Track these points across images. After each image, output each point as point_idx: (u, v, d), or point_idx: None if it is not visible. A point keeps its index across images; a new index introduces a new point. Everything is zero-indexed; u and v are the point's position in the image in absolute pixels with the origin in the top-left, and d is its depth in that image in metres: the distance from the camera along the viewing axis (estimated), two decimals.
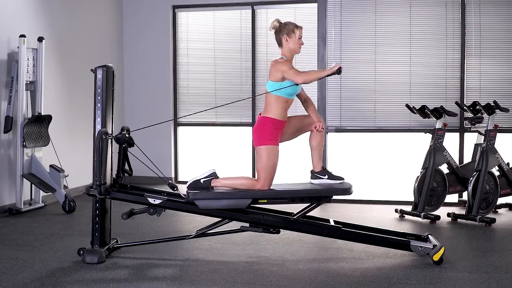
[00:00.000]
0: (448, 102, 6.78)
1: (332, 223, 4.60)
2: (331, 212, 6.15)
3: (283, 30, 4.43)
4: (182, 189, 4.55)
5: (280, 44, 4.47)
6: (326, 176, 4.53)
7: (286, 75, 4.31)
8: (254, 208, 4.51)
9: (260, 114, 4.44)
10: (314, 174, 4.57)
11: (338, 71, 4.28)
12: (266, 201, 4.42)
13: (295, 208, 4.64)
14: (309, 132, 4.55)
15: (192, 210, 4.50)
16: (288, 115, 4.46)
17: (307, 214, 4.50)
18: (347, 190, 4.45)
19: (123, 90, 8.37)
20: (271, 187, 4.40)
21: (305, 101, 4.60)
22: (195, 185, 4.38)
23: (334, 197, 6.41)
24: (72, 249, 4.67)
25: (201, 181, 4.38)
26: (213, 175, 4.41)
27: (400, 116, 6.98)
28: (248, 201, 4.35)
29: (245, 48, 7.93)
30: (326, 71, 4.35)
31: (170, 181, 4.52)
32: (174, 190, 4.52)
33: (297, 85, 4.36)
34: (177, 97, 8.26)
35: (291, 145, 4.97)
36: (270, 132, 4.34)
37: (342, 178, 4.55)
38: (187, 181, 4.53)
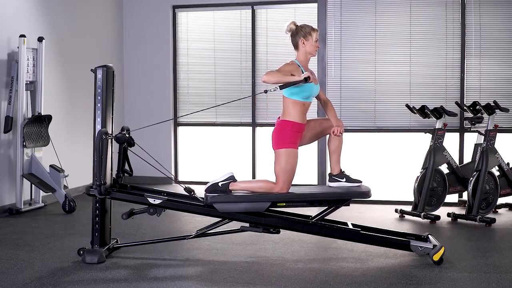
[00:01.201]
0: (448, 102, 6.79)
1: (350, 226, 4.59)
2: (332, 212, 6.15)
3: (299, 32, 4.41)
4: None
5: (296, 47, 4.45)
6: (344, 179, 4.51)
7: None
8: (272, 212, 4.52)
9: (279, 117, 4.43)
10: (332, 177, 4.55)
11: (305, 80, 4.21)
12: (284, 204, 4.40)
13: (303, 211, 4.66)
14: (328, 135, 4.53)
15: (192, 210, 4.51)
16: (307, 118, 4.45)
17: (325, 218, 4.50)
18: (366, 194, 4.44)
19: (123, 90, 8.37)
20: (289, 190, 4.39)
21: (324, 103, 4.59)
22: (213, 188, 4.36)
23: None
24: (72, 249, 4.67)
25: (219, 184, 4.36)
26: (231, 178, 4.39)
27: (400, 116, 6.99)
28: (267, 204, 4.34)
29: (245, 48, 7.93)
30: (293, 77, 4.22)
31: (186, 186, 4.49)
32: (192, 195, 4.49)
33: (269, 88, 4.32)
34: (177, 97, 8.25)
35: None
36: (289, 135, 4.32)
37: (360, 181, 4.53)
38: (186, 181, 4.52)
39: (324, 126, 4.51)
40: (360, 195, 4.46)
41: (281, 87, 4.27)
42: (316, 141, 4.73)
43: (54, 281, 3.94)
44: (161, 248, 4.74)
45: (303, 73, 4.33)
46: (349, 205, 4.48)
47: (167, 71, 8.21)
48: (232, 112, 7.93)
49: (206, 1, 8.03)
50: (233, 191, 4.38)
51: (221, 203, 4.33)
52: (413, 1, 6.96)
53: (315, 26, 4.49)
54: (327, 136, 4.58)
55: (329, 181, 4.57)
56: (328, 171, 4.65)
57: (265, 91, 4.35)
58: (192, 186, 4.59)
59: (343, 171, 4.55)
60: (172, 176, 4.53)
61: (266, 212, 4.44)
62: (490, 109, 5.90)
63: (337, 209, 4.47)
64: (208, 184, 4.40)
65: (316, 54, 4.46)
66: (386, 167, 7.21)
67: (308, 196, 4.42)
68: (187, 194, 4.49)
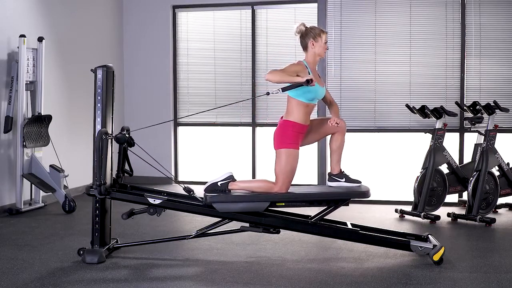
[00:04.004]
0: (448, 102, 6.79)
1: (349, 226, 4.58)
2: (331, 213, 6.14)
3: (309, 34, 4.41)
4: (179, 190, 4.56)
5: (305, 48, 4.45)
6: (344, 179, 4.51)
7: None
8: (271, 211, 4.52)
9: (282, 117, 4.42)
10: (331, 177, 4.55)
11: (307, 82, 4.17)
12: (283, 204, 4.40)
13: (303, 211, 4.66)
14: (331, 135, 4.53)
15: (192, 210, 4.51)
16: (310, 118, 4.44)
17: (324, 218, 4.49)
18: (365, 194, 4.43)
19: (123, 90, 8.37)
20: (288, 190, 4.39)
21: (330, 104, 4.59)
22: (212, 188, 4.37)
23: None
24: (72, 249, 4.67)
25: (219, 183, 4.37)
26: (230, 178, 4.39)
27: (400, 116, 6.99)
28: (266, 204, 4.33)
29: (245, 48, 7.92)
30: (295, 78, 4.19)
31: (186, 185, 4.48)
32: (191, 194, 4.48)
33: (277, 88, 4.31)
34: (177, 97, 8.25)
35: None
36: (291, 135, 4.32)
37: (359, 182, 4.53)
38: (186, 181, 4.51)
39: (326, 126, 4.51)
40: (359, 195, 4.46)
41: (284, 89, 4.25)
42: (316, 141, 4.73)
43: (54, 281, 3.94)
44: (161, 248, 4.74)
45: (309, 74, 4.32)
46: (348, 205, 4.48)
47: (167, 71, 8.20)
48: (232, 112, 7.93)
49: (206, 1, 8.03)
50: (232, 190, 4.38)
51: (220, 202, 4.33)
52: (413, 1, 6.96)
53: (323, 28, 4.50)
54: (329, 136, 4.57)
55: (329, 180, 4.57)
56: (328, 171, 4.65)
57: (267, 93, 4.38)
58: (192, 186, 4.58)
59: (343, 171, 4.55)
60: (172, 176, 4.51)
61: (265, 212, 4.43)
62: (490, 109, 5.90)
63: (336, 209, 4.47)
64: (208, 184, 4.40)
65: (324, 56, 4.48)
66: (386, 167, 7.21)
67: (307, 196, 4.42)
68: (186, 194, 4.49)
